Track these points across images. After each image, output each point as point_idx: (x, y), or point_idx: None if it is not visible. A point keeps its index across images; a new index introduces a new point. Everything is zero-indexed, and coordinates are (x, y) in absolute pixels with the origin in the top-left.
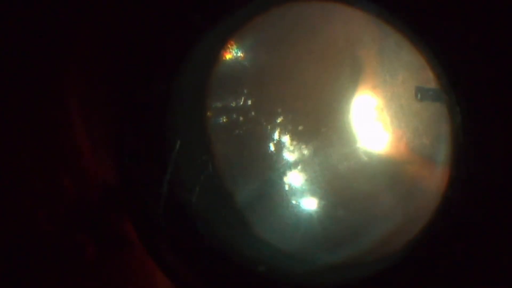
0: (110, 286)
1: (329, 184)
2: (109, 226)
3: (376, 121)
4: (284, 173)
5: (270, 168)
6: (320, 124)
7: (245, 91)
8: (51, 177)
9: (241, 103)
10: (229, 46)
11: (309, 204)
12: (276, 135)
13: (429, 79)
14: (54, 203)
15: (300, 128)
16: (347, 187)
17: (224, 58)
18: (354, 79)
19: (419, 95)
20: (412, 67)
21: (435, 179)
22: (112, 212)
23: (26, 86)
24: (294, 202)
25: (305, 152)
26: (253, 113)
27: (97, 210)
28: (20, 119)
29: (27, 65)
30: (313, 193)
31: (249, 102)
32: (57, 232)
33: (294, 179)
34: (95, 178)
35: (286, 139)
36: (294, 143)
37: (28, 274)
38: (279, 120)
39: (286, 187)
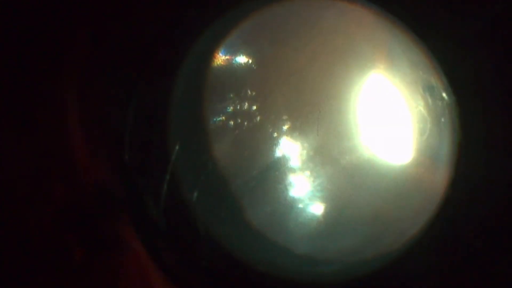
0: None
1: (331, 185)
2: (101, 227)
3: (379, 120)
4: (285, 173)
5: (271, 168)
6: (322, 122)
7: (246, 90)
8: (40, 178)
9: (241, 103)
10: (229, 45)
11: (311, 204)
12: (277, 134)
13: (433, 79)
14: (42, 205)
15: (302, 127)
16: (349, 188)
17: (224, 57)
18: (358, 79)
19: (426, 95)
20: (417, 67)
21: (435, 179)
22: (107, 213)
23: (19, 82)
24: (295, 202)
25: (307, 152)
26: (253, 113)
27: (90, 211)
28: (10, 117)
29: (22, 61)
30: (315, 194)
31: (249, 102)
32: (44, 234)
33: (295, 179)
34: (90, 179)
35: (287, 138)
36: (296, 142)
37: (13, 277)
38: (280, 119)
39: (287, 187)
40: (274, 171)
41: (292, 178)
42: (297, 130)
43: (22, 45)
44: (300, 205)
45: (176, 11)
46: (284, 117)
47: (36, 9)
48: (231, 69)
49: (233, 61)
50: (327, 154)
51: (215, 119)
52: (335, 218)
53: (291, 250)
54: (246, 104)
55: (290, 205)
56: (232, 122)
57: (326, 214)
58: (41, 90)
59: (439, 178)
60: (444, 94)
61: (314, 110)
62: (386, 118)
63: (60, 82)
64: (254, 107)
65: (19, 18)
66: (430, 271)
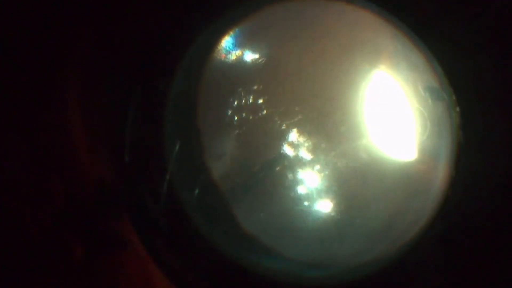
0: (101, 287)
1: (331, 185)
2: (101, 226)
3: (380, 121)
4: (286, 174)
5: (272, 169)
6: (322, 123)
7: (248, 89)
8: (40, 177)
9: (242, 102)
10: (229, 46)
11: (312, 204)
12: (279, 134)
13: (435, 80)
14: (43, 204)
15: (303, 128)
16: (349, 188)
17: (224, 57)
18: (359, 79)
19: (426, 95)
20: (418, 67)
21: (436, 178)
22: (108, 212)
23: (21, 82)
24: (295, 202)
25: (307, 153)
26: (254, 112)
27: (90, 210)
28: (12, 116)
29: (24, 61)
30: (316, 194)
31: (250, 101)
32: (44, 233)
33: (296, 178)
34: (90, 179)
35: (290, 138)
36: (296, 142)
37: (12, 275)
38: (282, 119)
39: (288, 188)
40: (276, 173)
41: (293, 177)
42: (297, 131)
43: (23, 45)
44: (301, 206)
45: (176, 11)
46: (289, 118)
47: (37, 9)
48: (230, 69)
49: (232, 61)
50: (328, 155)
51: (215, 119)
52: (336, 219)
53: (290, 252)
54: (248, 104)
55: (290, 206)
56: (232, 122)
57: (327, 215)
58: (42, 90)
59: (439, 178)
60: (444, 94)
61: (315, 110)
62: (386, 118)
63: (61, 82)
64: (256, 108)
65: (21, 18)
66: (430, 271)
